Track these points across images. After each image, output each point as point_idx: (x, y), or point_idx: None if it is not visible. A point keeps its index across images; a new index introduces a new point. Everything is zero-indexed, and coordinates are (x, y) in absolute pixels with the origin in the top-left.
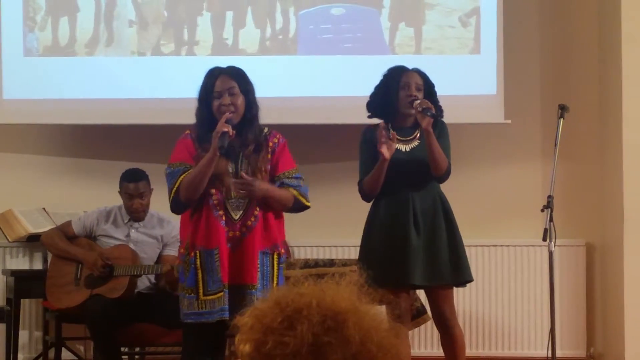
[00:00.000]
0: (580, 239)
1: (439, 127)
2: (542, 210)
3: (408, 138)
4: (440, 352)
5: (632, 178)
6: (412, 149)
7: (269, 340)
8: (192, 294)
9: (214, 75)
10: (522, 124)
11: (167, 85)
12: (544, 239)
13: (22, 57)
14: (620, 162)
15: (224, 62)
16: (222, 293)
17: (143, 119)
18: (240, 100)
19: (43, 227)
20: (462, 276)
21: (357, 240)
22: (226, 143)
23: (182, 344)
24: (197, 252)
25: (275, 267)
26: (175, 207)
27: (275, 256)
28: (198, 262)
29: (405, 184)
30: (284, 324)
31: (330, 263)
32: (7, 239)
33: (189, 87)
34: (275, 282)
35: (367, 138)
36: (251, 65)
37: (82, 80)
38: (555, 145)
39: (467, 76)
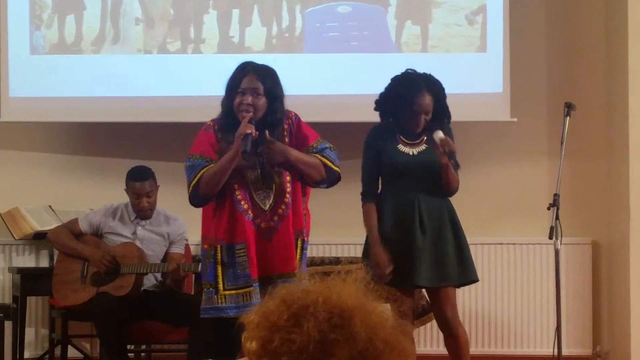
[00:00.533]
0: (587, 237)
1: (448, 133)
2: (549, 208)
3: (415, 142)
4: (444, 350)
5: (638, 176)
6: (419, 153)
7: (275, 337)
8: (212, 289)
9: (244, 70)
10: (529, 122)
11: (173, 83)
12: (550, 237)
13: (29, 55)
14: (626, 160)
15: (230, 60)
16: (250, 288)
17: (149, 116)
18: (262, 102)
19: (49, 224)
20: (467, 276)
21: (362, 239)
22: (249, 147)
23: (187, 342)
24: (219, 246)
25: (299, 253)
26: (195, 200)
27: (300, 242)
28: (218, 257)
29: (412, 186)
30: (290, 321)
31: (336, 261)
32: (14, 237)
33: (195, 85)
34: (299, 268)
35: (370, 141)
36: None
37: (89, 78)
38: (562, 143)
39: (474, 74)
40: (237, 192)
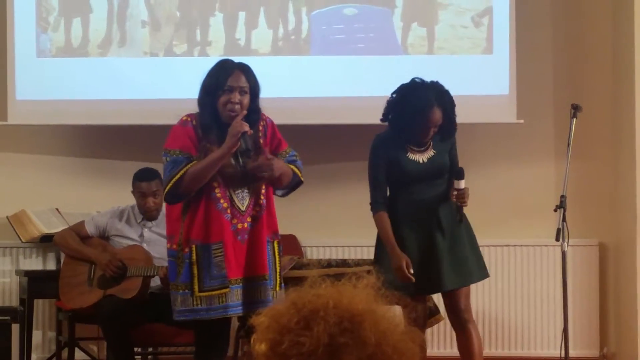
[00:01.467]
0: (594, 239)
1: (454, 140)
2: (555, 210)
3: (423, 148)
4: (454, 351)
5: None
6: (429, 159)
7: (285, 340)
8: (187, 290)
9: (227, 68)
10: (535, 123)
11: (179, 85)
12: (557, 239)
13: (35, 58)
14: (633, 161)
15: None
16: (226, 289)
17: (156, 119)
18: (246, 100)
19: (56, 227)
20: (484, 273)
21: (369, 241)
22: (249, 144)
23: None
24: (193, 246)
25: (277, 256)
26: (171, 198)
27: (276, 244)
28: (194, 257)
29: (425, 190)
30: (300, 324)
31: (343, 263)
32: (21, 240)
33: None
34: (277, 270)
35: (377, 150)
36: (263, 66)
37: (95, 81)
38: (568, 145)
39: (480, 76)
40: (217, 190)
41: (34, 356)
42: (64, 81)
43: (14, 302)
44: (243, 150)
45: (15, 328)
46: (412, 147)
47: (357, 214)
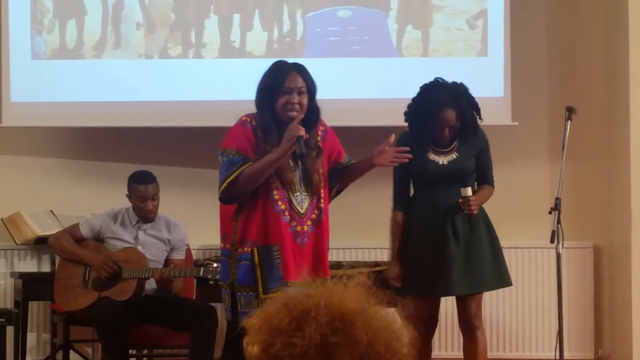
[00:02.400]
0: (588, 241)
1: (485, 144)
2: (550, 213)
3: (445, 150)
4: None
5: (639, 180)
6: (450, 162)
7: (277, 341)
8: (251, 292)
9: (284, 69)
10: (530, 126)
11: (174, 87)
12: (552, 241)
13: (30, 60)
14: (628, 164)
15: (231, 64)
16: (275, 293)
17: (150, 121)
18: (305, 100)
19: (51, 229)
20: (503, 282)
21: (364, 243)
22: (304, 149)
23: (190, 346)
24: (255, 248)
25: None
26: (226, 198)
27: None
28: (256, 259)
29: (444, 193)
30: (291, 325)
31: (338, 265)
32: (15, 242)
33: (196, 90)
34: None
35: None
36: (258, 68)
37: (90, 83)
38: (563, 147)
39: (474, 78)
40: (275, 192)
41: (28, 358)
42: (58, 83)
43: (9, 304)
44: (298, 154)
45: (10, 330)
46: (435, 147)
47: (353, 217)
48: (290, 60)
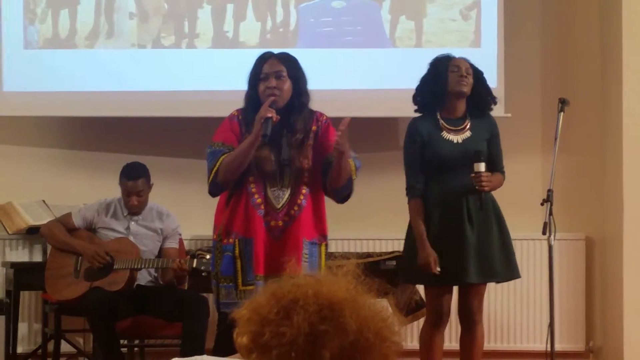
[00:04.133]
0: (580, 233)
1: (496, 130)
2: (542, 204)
3: (458, 128)
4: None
5: (632, 172)
6: (464, 140)
7: (265, 331)
8: (231, 283)
9: (263, 58)
10: (523, 117)
11: (167, 77)
12: (544, 233)
13: (23, 49)
14: (620, 156)
15: (224, 55)
16: (253, 286)
17: (143, 111)
18: (287, 85)
19: (43, 219)
20: (512, 274)
21: (356, 234)
22: (269, 130)
23: (181, 337)
24: (237, 240)
25: (323, 259)
26: (213, 189)
27: (324, 247)
28: (237, 251)
29: (458, 178)
30: (280, 314)
31: (330, 256)
32: (7, 231)
33: (189, 80)
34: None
35: (412, 133)
36: (251, 58)
37: (83, 73)
38: (556, 139)
39: None
40: (252, 185)
41: (19, 348)
42: (51, 73)
43: (0, 294)
44: (262, 135)
45: (1, 320)
46: (447, 125)
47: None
48: (283, 50)
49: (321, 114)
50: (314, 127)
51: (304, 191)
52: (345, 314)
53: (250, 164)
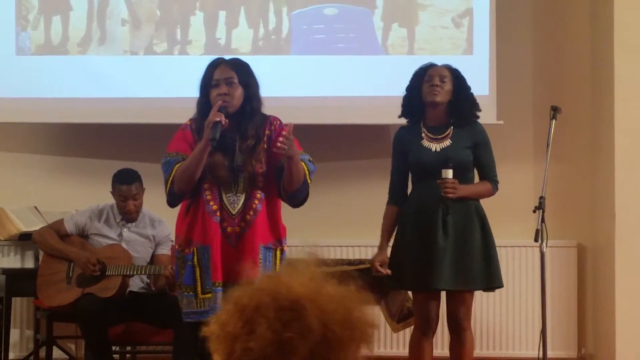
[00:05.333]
0: (572, 240)
1: (483, 138)
2: (534, 211)
3: (439, 136)
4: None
5: (623, 179)
6: (442, 149)
7: (236, 348)
8: (191, 292)
9: (214, 64)
10: (514, 125)
11: (159, 84)
12: (536, 240)
13: (15, 55)
14: (612, 163)
15: None
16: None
17: (135, 118)
18: (238, 92)
19: (35, 225)
20: (492, 282)
21: (348, 241)
22: (218, 135)
23: (173, 343)
24: (195, 249)
25: (278, 264)
26: (170, 199)
27: (279, 252)
28: (195, 260)
29: (436, 184)
30: (245, 328)
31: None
32: None
33: (181, 87)
34: None
35: (396, 141)
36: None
37: (75, 79)
38: (547, 146)
39: None
40: (207, 192)
41: (11, 354)
42: (43, 79)
43: None
44: (210, 139)
45: None
46: (429, 134)
47: (335, 214)
48: (275, 57)
49: (275, 118)
50: (267, 132)
51: (258, 195)
52: (307, 313)
53: (204, 171)
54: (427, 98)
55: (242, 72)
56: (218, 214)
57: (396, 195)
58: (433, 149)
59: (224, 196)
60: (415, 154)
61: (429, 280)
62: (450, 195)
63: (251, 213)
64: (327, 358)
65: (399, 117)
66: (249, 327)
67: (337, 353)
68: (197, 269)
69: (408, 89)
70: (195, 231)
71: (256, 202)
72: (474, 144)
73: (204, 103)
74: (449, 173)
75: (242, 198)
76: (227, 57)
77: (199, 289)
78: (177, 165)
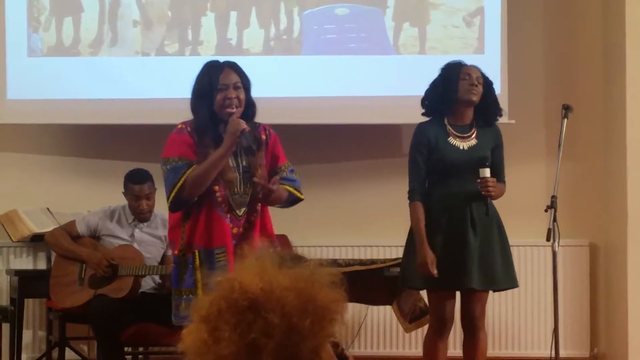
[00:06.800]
0: (584, 239)
1: (501, 140)
2: (546, 211)
3: (465, 135)
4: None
5: (635, 178)
6: (470, 148)
7: (209, 359)
8: (191, 295)
9: (217, 68)
10: (526, 124)
11: (170, 85)
12: (548, 239)
13: (26, 57)
14: (624, 162)
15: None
16: None
17: (147, 119)
18: (242, 95)
19: (47, 227)
20: (511, 282)
21: (359, 241)
22: (249, 141)
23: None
24: (196, 252)
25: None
26: (176, 205)
27: None
28: (197, 262)
29: (462, 184)
30: (212, 337)
31: (334, 263)
32: (11, 239)
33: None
34: None
35: (420, 136)
36: (255, 65)
37: (86, 81)
38: (559, 145)
39: None
40: (218, 194)
41: (24, 356)
42: (55, 81)
43: (5, 301)
44: (245, 147)
45: (6, 327)
46: (454, 131)
47: (347, 214)
48: (286, 57)
49: (265, 125)
50: (263, 136)
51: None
52: (266, 309)
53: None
54: (465, 96)
55: (243, 75)
56: (229, 215)
57: (422, 191)
58: (461, 147)
59: (230, 198)
60: (443, 151)
61: (463, 279)
62: (492, 193)
63: (254, 214)
64: (296, 349)
65: (423, 114)
66: (214, 336)
67: (305, 342)
68: (198, 272)
69: (442, 85)
70: (196, 234)
71: (258, 204)
72: (496, 145)
73: (207, 107)
74: (486, 172)
75: (247, 200)
76: (219, 58)
77: (200, 291)
78: (188, 172)
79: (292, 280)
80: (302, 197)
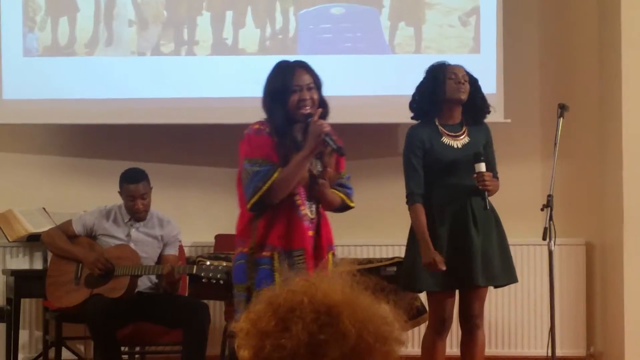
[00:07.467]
0: (580, 238)
1: (490, 136)
2: (542, 209)
3: (457, 134)
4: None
5: (631, 177)
6: (463, 145)
7: (266, 344)
8: None
9: (290, 68)
10: (522, 123)
11: (166, 85)
12: (544, 238)
13: (22, 57)
14: (620, 161)
15: (223, 62)
16: None
17: (143, 118)
18: (316, 96)
19: (43, 226)
20: (509, 278)
21: (355, 240)
22: (336, 143)
23: (182, 344)
24: (276, 253)
25: (331, 266)
26: (259, 207)
27: (331, 255)
28: (275, 264)
29: (461, 182)
30: (278, 326)
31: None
32: (7, 239)
33: (188, 87)
34: None
35: (413, 139)
36: (251, 65)
37: (82, 80)
38: (555, 144)
39: None
40: (297, 197)
41: (20, 355)
42: (50, 80)
43: (1, 301)
44: (335, 149)
45: (2, 327)
46: (446, 131)
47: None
48: (282, 57)
49: None
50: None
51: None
52: (343, 319)
53: None
54: (454, 95)
55: (315, 75)
56: (307, 218)
57: (420, 194)
58: (455, 146)
59: (306, 201)
60: (438, 151)
61: (468, 277)
62: (489, 187)
63: (322, 218)
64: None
65: (412, 118)
66: (283, 325)
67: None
68: (277, 274)
69: (430, 86)
70: (272, 235)
71: (321, 206)
72: (486, 142)
73: (282, 108)
74: (482, 167)
75: (314, 202)
76: (290, 58)
77: None
78: (275, 175)
79: (372, 305)
80: (352, 205)
